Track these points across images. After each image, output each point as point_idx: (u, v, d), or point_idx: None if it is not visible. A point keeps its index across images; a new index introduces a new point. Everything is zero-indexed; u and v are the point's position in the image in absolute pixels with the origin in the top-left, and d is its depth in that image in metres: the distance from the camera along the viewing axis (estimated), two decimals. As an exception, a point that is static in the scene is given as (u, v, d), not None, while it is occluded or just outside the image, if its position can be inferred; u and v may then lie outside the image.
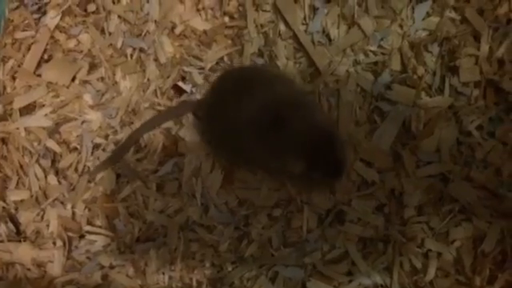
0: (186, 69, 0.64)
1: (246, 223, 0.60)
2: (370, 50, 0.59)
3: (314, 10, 0.61)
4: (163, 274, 0.60)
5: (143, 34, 0.66)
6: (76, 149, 0.65)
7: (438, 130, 0.57)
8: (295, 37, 0.62)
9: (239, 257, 0.60)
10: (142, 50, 0.66)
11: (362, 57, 0.60)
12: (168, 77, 0.65)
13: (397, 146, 0.59)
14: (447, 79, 0.58)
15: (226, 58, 0.65)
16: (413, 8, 0.59)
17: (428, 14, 0.59)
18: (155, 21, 0.66)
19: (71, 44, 0.68)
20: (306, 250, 0.57)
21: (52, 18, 0.68)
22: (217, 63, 0.64)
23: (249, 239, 0.59)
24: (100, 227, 0.62)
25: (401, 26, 0.59)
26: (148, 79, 0.65)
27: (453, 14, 0.58)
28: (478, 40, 0.58)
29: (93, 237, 0.62)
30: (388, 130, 0.58)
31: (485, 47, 0.57)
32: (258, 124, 0.52)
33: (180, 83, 0.64)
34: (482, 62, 0.57)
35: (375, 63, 0.59)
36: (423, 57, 0.58)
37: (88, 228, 0.62)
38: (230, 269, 0.59)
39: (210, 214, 0.60)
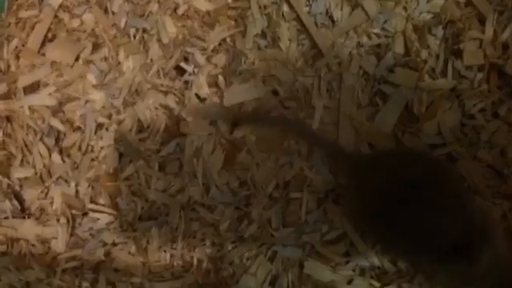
0: (188, 50, 0.60)
1: (247, 203, 0.57)
2: (374, 33, 0.55)
3: (317, -9, 0.55)
4: (165, 251, 0.57)
5: (146, 14, 0.61)
6: (79, 128, 0.62)
7: (441, 112, 0.52)
8: (298, 18, 0.58)
9: (239, 236, 0.57)
10: (145, 30, 0.61)
11: (365, 39, 0.55)
12: (171, 57, 0.60)
13: (399, 129, 0.54)
14: (450, 62, 0.54)
15: (228, 40, 0.59)
16: (417, -11, 0.53)
17: None
18: (158, 1, 0.62)
19: (75, 24, 0.64)
20: (304, 230, 0.53)
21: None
22: (219, 44, 0.59)
23: (249, 219, 0.56)
24: (103, 205, 0.59)
25: (405, 9, 0.54)
26: (151, 60, 0.61)
27: (458, -4, 0.52)
28: (483, 23, 0.53)
29: (96, 215, 0.58)
30: (390, 112, 0.55)
31: (489, 31, 0.52)
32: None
33: (182, 64, 0.60)
34: (486, 46, 0.53)
35: (378, 46, 0.55)
36: (427, 40, 0.54)
37: (91, 206, 0.59)
38: (230, 248, 0.57)
39: (211, 193, 0.57)
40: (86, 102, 0.63)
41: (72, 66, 0.64)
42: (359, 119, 0.56)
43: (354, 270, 0.54)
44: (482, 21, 0.54)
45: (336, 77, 0.57)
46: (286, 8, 0.58)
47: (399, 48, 0.56)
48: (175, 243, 0.59)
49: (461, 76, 0.55)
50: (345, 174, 0.52)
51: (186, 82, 0.61)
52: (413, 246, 0.45)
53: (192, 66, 0.61)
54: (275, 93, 0.58)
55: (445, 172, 0.47)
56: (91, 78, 0.63)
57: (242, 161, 0.58)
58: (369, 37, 0.56)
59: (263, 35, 0.59)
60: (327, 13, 0.58)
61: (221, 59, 0.61)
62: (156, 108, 0.61)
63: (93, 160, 0.62)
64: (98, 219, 0.59)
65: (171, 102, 0.61)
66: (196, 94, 0.60)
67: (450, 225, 0.43)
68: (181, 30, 0.62)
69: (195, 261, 0.58)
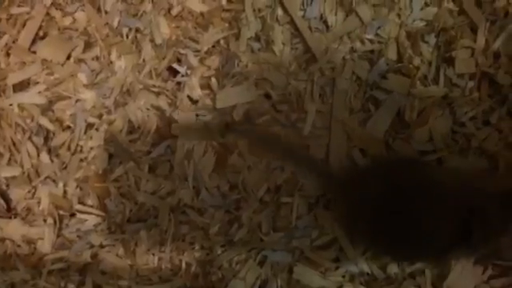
0: (181, 51, 0.59)
1: (237, 207, 0.56)
2: (367, 39, 0.55)
3: (312, -5, 0.55)
4: (153, 254, 0.56)
5: (140, 13, 0.60)
6: (69, 127, 0.61)
7: (432, 119, 0.53)
8: (292, 22, 0.57)
9: (229, 240, 0.56)
10: (138, 30, 0.60)
11: (358, 45, 0.55)
12: (163, 58, 0.59)
13: (391, 135, 0.53)
14: (442, 70, 0.54)
15: (222, 42, 0.58)
16: (411, -3, 0.53)
17: (426, 4, 0.54)
18: (152, 1, 0.60)
19: (67, 22, 0.63)
20: (294, 235, 0.52)
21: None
22: (213, 46, 0.58)
23: (239, 223, 0.55)
24: (91, 206, 0.57)
25: (398, 16, 0.54)
26: (143, 60, 0.60)
27: (451, 5, 0.53)
28: (475, 32, 0.52)
29: (84, 216, 0.57)
30: (382, 118, 0.54)
31: (481, 40, 0.52)
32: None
33: (175, 65, 0.58)
34: (478, 55, 0.52)
35: (371, 51, 0.55)
36: (420, 47, 0.53)
37: (79, 207, 0.58)
38: (219, 252, 0.56)
39: (201, 196, 0.56)
40: (77, 101, 0.61)
41: (63, 65, 0.63)
42: (351, 124, 0.55)
43: (343, 276, 0.53)
44: (474, 30, 0.54)
45: (329, 81, 0.56)
46: (280, 12, 0.58)
47: (392, 54, 0.55)
48: (164, 246, 0.58)
49: (452, 84, 0.55)
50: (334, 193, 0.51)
51: (179, 84, 0.60)
52: (408, 250, 0.46)
53: (185, 68, 0.60)
54: (268, 96, 0.58)
55: (434, 175, 0.46)
56: (82, 78, 0.62)
57: (234, 164, 0.57)
58: (362, 42, 0.56)
59: (257, 38, 0.59)
60: (321, 18, 0.57)
61: (214, 61, 0.60)
62: (147, 109, 0.60)
63: (82, 160, 0.60)
64: (86, 220, 0.58)
65: (163, 103, 0.60)
66: (188, 96, 0.60)
67: (444, 226, 0.44)
68: (174, 30, 0.61)
69: (184, 264, 0.57)
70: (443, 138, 0.54)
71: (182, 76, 0.60)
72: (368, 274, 0.54)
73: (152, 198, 0.58)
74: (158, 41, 0.61)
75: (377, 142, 0.55)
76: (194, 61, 0.60)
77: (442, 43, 0.55)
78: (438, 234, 0.45)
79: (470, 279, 0.50)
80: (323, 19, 0.58)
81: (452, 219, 0.44)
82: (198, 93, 0.60)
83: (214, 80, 0.59)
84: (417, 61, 0.55)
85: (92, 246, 0.58)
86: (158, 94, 0.61)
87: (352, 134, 0.55)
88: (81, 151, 0.61)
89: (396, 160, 0.52)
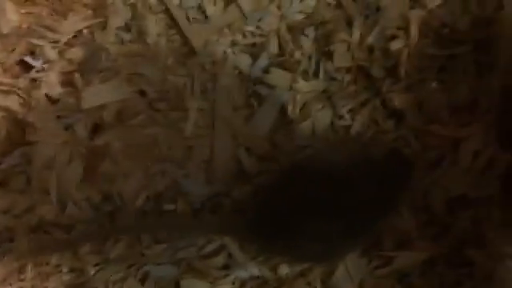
0: (35, 41, 0.47)
1: (112, 220, 0.46)
2: (248, 31, 0.50)
3: (188, -18, 0.49)
4: (10, 285, 0.45)
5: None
6: None
7: (314, 113, 0.52)
8: (168, 11, 0.49)
9: (104, 258, 0.47)
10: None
11: (239, 37, 0.51)
12: (13, 50, 0.48)
13: (275, 131, 0.52)
14: (322, 64, 0.51)
15: (85, 31, 0.48)
16: (290, -11, 0.50)
17: None
18: (-4, -19, 0.48)
19: None
20: (179, 245, 0.45)
21: None
22: (74, 36, 0.49)
23: (115, 238, 0.45)
24: None
25: (279, 7, 0.51)
26: (-13, 53, 0.47)
27: (328, -1, 0.50)
28: (351, 26, 0.50)
29: None
30: (266, 114, 0.52)
31: (356, 34, 0.51)
32: None
33: (28, 58, 0.48)
34: (354, 49, 0.50)
35: (253, 45, 0.52)
36: (300, 40, 0.49)
37: None
38: (92, 272, 0.48)
39: (67, 211, 0.45)
40: None
41: None
42: (235, 122, 0.50)
43: (233, 283, 0.49)
44: (350, 24, 0.53)
45: (210, 77, 0.51)
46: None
47: (274, 48, 0.53)
48: (23, 274, 0.48)
49: (331, 78, 0.53)
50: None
51: (34, 80, 0.50)
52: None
53: (40, 61, 0.51)
54: (143, 93, 0.51)
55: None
56: None
57: (106, 172, 0.48)
58: (243, 35, 0.52)
59: (127, 28, 0.52)
60: (199, 7, 0.52)
61: (77, 54, 0.51)
62: (-6, 111, 0.48)
63: None
64: None
65: (14, 103, 0.50)
66: (46, 95, 0.50)
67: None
68: (25, 17, 0.51)
69: (49, 292, 0.46)
70: (324, 132, 0.52)
71: (38, 71, 0.50)
72: (258, 277, 0.49)
73: (4, 217, 0.47)
74: (5, 30, 0.50)
75: (262, 139, 0.51)
76: (51, 53, 0.51)
77: (321, 37, 0.53)
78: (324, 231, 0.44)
79: (357, 272, 0.49)
80: (202, 9, 0.53)
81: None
82: (58, 90, 0.50)
83: (77, 75, 0.51)
84: (298, 54, 0.53)
85: None
86: (7, 92, 0.50)
87: (237, 133, 0.51)
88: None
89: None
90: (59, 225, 0.49)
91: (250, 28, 0.53)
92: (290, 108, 0.53)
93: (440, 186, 0.50)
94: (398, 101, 0.53)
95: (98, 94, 0.50)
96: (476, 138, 0.50)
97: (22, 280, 0.48)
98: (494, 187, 0.49)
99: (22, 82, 0.51)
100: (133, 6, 0.52)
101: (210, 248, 0.50)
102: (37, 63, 0.51)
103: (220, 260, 0.50)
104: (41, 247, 0.48)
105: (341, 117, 0.55)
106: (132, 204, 0.49)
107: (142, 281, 0.49)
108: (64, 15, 0.52)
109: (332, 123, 0.54)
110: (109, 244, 0.49)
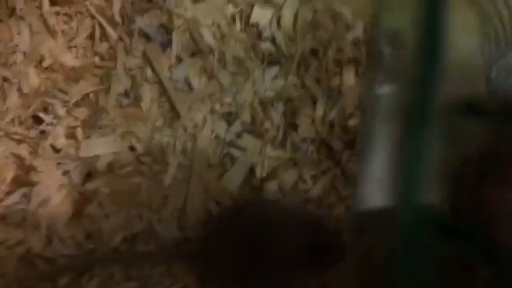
0: (49, 100, 0.58)
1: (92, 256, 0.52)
2: (225, 102, 0.59)
3: (179, 60, 0.59)
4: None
5: (10, 63, 0.58)
6: None
7: (280, 175, 0.57)
8: (160, 82, 0.60)
9: None
10: (6, 79, 0.59)
11: (218, 106, 0.59)
12: (29, 107, 0.57)
13: (244, 188, 0.57)
14: (289, 135, 0.59)
15: (91, 95, 0.59)
16: (264, 70, 0.60)
17: (276, 77, 0.60)
18: (24, 52, 0.59)
19: None
20: (148, 284, 0.51)
21: None
22: (82, 99, 0.59)
23: (91, 274, 0.51)
24: None
25: (253, 84, 0.60)
26: (7, 108, 0.57)
27: (295, 80, 0.60)
28: (315, 103, 0.60)
29: None
30: (236, 173, 0.57)
31: (320, 110, 0.60)
32: None
33: (41, 113, 0.57)
34: (317, 123, 0.59)
35: (229, 113, 0.60)
36: (270, 112, 0.59)
37: None
38: None
39: (53, 246, 0.52)
40: None
41: None
42: (209, 178, 0.58)
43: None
44: (314, 101, 0.62)
45: (191, 137, 0.59)
46: (149, 72, 0.61)
47: (246, 117, 0.61)
48: None
49: (297, 147, 0.61)
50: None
51: (43, 132, 0.59)
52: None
53: (51, 117, 0.60)
54: (132, 148, 0.59)
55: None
56: None
57: (91, 213, 0.55)
58: (221, 104, 0.61)
59: (126, 94, 0.62)
60: (186, 80, 0.61)
61: (82, 113, 0.61)
62: (6, 157, 0.57)
63: None
64: None
65: (24, 151, 0.59)
66: (51, 145, 0.59)
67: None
68: (44, 81, 0.61)
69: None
70: (291, 190, 0.59)
71: (47, 125, 0.59)
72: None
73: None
74: (25, 90, 0.60)
75: (231, 194, 0.58)
76: (61, 111, 0.60)
77: (289, 111, 0.62)
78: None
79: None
80: (187, 81, 0.63)
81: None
82: (62, 142, 0.59)
83: (79, 130, 0.59)
84: (267, 125, 0.61)
85: None
86: (19, 141, 0.59)
87: (209, 187, 0.58)
88: None
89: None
90: (44, 257, 0.55)
91: (227, 99, 0.63)
92: (258, 170, 0.61)
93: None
94: (356, 170, 0.60)
95: (95, 146, 0.59)
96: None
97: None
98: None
99: (33, 133, 0.60)
100: (132, 77, 0.62)
101: (174, 288, 0.55)
102: (47, 118, 0.60)
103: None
104: (26, 276, 0.54)
105: (304, 180, 0.62)
106: (110, 242, 0.56)
107: (111, 314, 0.54)
108: (76, 81, 0.62)
109: (296, 184, 0.62)
110: (85, 279, 0.55)
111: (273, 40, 0.64)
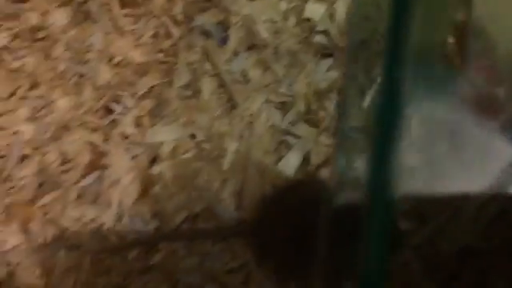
0: (119, 92, 0.64)
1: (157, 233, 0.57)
2: (280, 92, 0.62)
3: (236, 54, 0.64)
4: (68, 276, 0.55)
5: (84, 61, 0.65)
6: (3, 157, 0.60)
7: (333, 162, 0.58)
8: (219, 75, 0.64)
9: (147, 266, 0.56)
10: (81, 74, 0.66)
11: (273, 96, 0.62)
12: (101, 98, 0.64)
13: (299, 175, 0.61)
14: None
15: (156, 88, 0.64)
16: (317, 62, 0.63)
17: (329, 69, 0.63)
18: (97, 51, 0.66)
19: (16, 64, 0.67)
20: (209, 259, 0.55)
21: (2, 39, 0.68)
22: (148, 91, 0.64)
23: (156, 249, 0.56)
24: (14, 230, 0.57)
25: (307, 75, 0.62)
26: (83, 100, 0.64)
27: (348, 70, 0.62)
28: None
29: (4, 236, 0.56)
30: (292, 159, 0.60)
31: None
32: None
33: (112, 104, 0.63)
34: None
35: (284, 103, 0.62)
36: (324, 102, 0.61)
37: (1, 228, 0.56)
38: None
39: (123, 222, 0.57)
40: (14, 133, 0.64)
41: (6, 100, 0.65)
42: (265, 163, 0.61)
43: (250, 300, 0.56)
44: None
45: (248, 126, 0.63)
46: (208, 66, 0.66)
47: (301, 106, 0.63)
48: (80, 271, 0.58)
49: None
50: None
51: (114, 121, 0.65)
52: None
53: (121, 107, 0.65)
54: (193, 136, 0.63)
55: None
56: (23, 112, 0.65)
57: (157, 194, 0.60)
58: (277, 94, 0.64)
59: (187, 87, 0.66)
60: (243, 72, 0.65)
61: (148, 104, 0.66)
62: (82, 144, 0.64)
63: (10, 188, 0.61)
64: (6, 241, 0.58)
65: (97, 138, 0.65)
66: (121, 132, 0.64)
67: None
68: (114, 76, 0.67)
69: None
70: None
71: (118, 114, 0.65)
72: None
73: (76, 224, 0.59)
74: (98, 84, 0.67)
75: (286, 179, 0.61)
76: (129, 102, 0.66)
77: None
78: None
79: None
80: (244, 73, 0.66)
81: None
82: (130, 130, 0.65)
83: (146, 119, 0.65)
84: (322, 114, 0.63)
85: (9, 265, 0.57)
86: (93, 130, 0.65)
87: (265, 172, 0.61)
88: (10, 180, 0.62)
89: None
90: (115, 232, 0.60)
91: (282, 90, 0.66)
92: (313, 157, 0.64)
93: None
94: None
95: (159, 134, 0.64)
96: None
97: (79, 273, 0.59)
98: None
99: (105, 122, 0.66)
100: (193, 71, 0.67)
101: (233, 264, 0.58)
102: (118, 108, 0.66)
103: (239, 277, 0.58)
104: (99, 249, 0.60)
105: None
106: (173, 220, 0.60)
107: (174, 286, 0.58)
108: (142, 75, 0.68)
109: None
110: (151, 254, 0.59)
111: (326, 33, 0.67)
